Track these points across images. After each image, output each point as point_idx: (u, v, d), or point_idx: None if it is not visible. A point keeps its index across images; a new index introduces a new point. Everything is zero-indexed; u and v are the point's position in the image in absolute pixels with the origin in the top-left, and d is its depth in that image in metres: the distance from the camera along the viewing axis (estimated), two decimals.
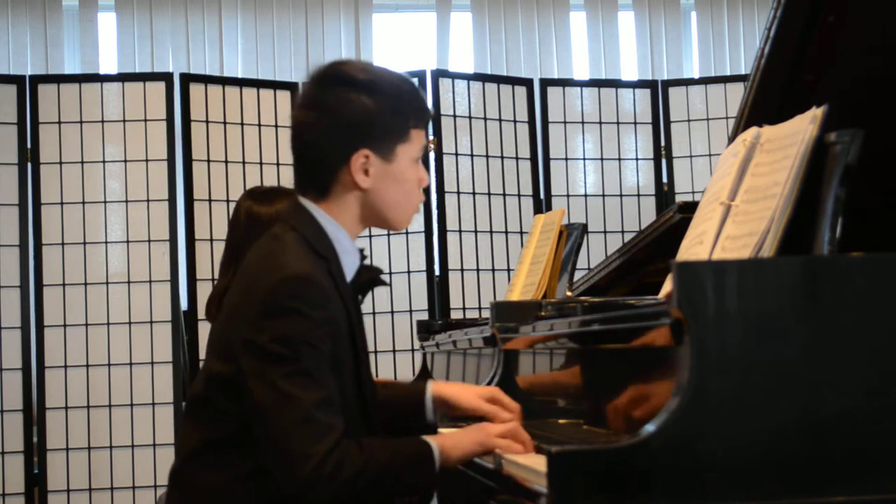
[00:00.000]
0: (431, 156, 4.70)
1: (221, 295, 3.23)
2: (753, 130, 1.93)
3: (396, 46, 5.72)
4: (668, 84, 5.13)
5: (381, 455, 1.82)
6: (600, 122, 5.00)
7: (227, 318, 1.92)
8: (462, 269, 4.68)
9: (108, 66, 5.31)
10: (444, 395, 2.14)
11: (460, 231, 4.69)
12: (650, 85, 5.11)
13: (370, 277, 2.02)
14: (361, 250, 2.01)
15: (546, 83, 5.03)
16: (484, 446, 1.91)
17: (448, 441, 1.90)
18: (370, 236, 4.68)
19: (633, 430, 1.61)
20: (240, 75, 5.22)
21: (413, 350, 4.59)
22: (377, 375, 4.93)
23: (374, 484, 1.80)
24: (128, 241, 4.55)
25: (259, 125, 4.71)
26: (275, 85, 4.84)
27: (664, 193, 5.01)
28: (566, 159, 4.96)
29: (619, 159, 5.01)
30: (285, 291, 1.81)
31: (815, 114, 1.77)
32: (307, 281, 1.83)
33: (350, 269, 1.96)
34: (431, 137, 4.70)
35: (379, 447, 1.84)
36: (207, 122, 4.59)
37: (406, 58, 5.66)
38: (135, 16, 5.29)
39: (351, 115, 1.90)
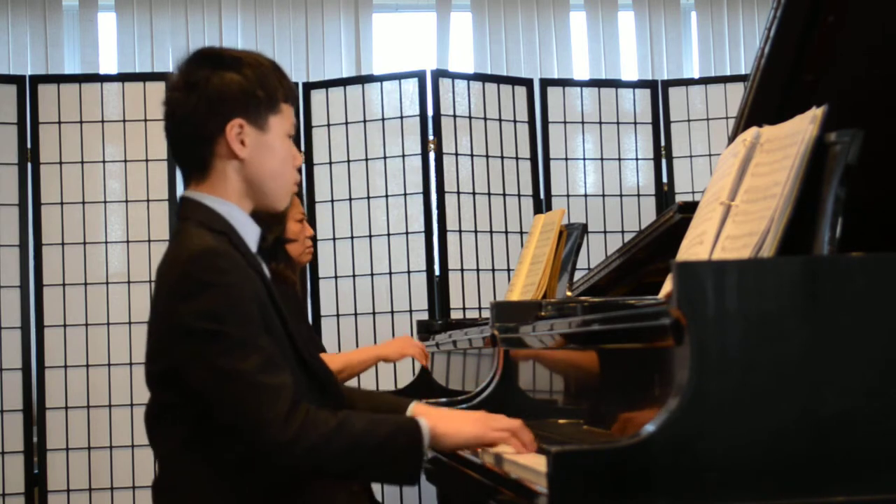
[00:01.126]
0: (431, 156, 4.70)
1: None
2: (753, 130, 1.93)
3: (396, 46, 5.72)
4: (668, 84, 5.12)
5: (358, 424, 1.81)
6: (600, 122, 5.00)
7: (152, 318, 1.94)
8: (462, 269, 4.68)
9: (108, 66, 5.31)
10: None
11: (460, 231, 4.69)
12: (650, 85, 5.11)
13: (275, 237, 2.05)
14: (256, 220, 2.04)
15: (546, 83, 5.03)
16: (481, 440, 1.91)
17: (442, 426, 1.88)
18: (370, 236, 4.68)
19: (632, 431, 1.61)
20: None
21: None
22: (378, 376, 4.95)
23: (345, 452, 1.79)
24: (128, 241, 4.55)
25: None
26: None
27: (664, 193, 5.01)
28: (566, 159, 4.96)
29: (619, 159, 5.01)
30: (194, 268, 1.83)
31: (815, 114, 1.77)
32: (211, 252, 1.85)
33: (252, 238, 1.99)
34: (431, 137, 4.70)
35: (357, 417, 1.84)
36: None
37: (406, 58, 5.66)
38: (135, 16, 5.29)
39: (222, 88, 1.94)
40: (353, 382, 4.63)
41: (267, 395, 1.78)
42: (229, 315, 1.80)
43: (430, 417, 1.89)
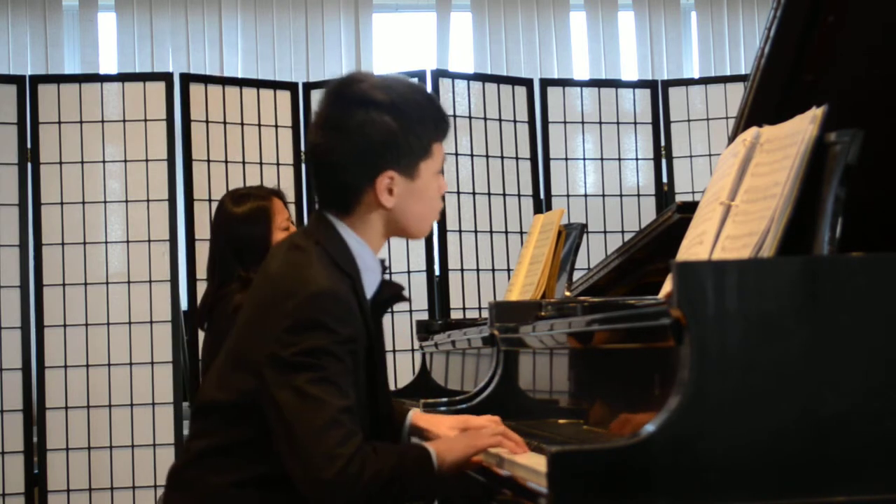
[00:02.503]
0: None
1: (211, 303, 3.21)
2: (753, 130, 1.93)
3: (396, 46, 5.72)
4: (668, 84, 5.12)
5: (391, 459, 1.83)
6: (600, 122, 5.00)
7: (248, 328, 1.91)
8: (462, 269, 4.68)
9: (108, 66, 5.31)
10: (421, 424, 2.16)
11: (460, 231, 4.69)
12: (650, 85, 5.11)
13: (391, 294, 2.02)
14: (382, 262, 2.01)
15: (546, 83, 5.03)
16: (476, 447, 1.92)
17: (442, 446, 1.91)
18: None
19: (632, 431, 1.60)
20: (240, 75, 5.22)
21: (413, 350, 4.59)
22: None
23: (386, 486, 1.81)
24: (128, 241, 4.54)
25: (259, 125, 4.70)
26: (275, 85, 4.84)
27: (664, 193, 5.01)
28: (566, 159, 4.96)
29: (619, 159, 5.01)
30: (313, 307, 1.81)
31: (815, 114, 1.77)
32: (334, 297, 1.82)
33: (371, 285, 1.96)
34: None
35: (387, 451, 1.85)
36: (207, 122, 4.58)
37: (406, 58, 5.66)
38: (135, 16, 5.29)
39: (375, 137, 1.87)
40: None
41: (341, 433, 1.77)
42: (328, 357, 1.79)
43: (429, 444, 1.93)
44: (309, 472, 1.78)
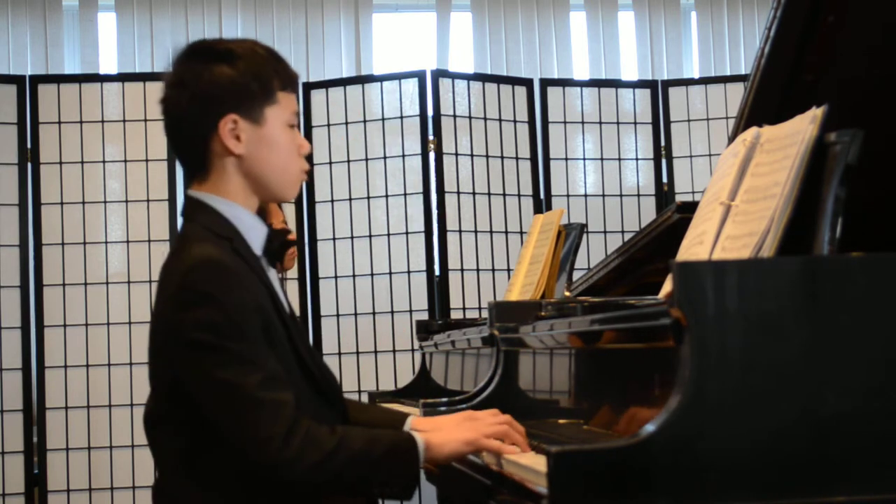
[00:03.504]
0: (431, 156, 4.70)
1: None
2: (753, 130, 1.93)
3: (396, 46, 5.72)
4: (668, 84, 5.12)
5: (356, 442, 1.80)
6: (600, 122, 5.00)
7: (153, 321, 1.91)
8: (462, 269, 4.68)
9: (108, 66, 5.31)
10: (421, 428, 2.11)
11: (460, 231, 4.69)
12: (650, 85, 5.11)
13: (280, 241, 2.00)
14: (264, 220, 1.99)
15: (546, 83, 5.03)
16: (474, 446, 1.90)
17: (436, 438, 1.88)
18: (370, 236, 4.68)
19: (632, 431, 1.60)
20: None
21: (413, 350, 4.59)
22: (377, 376, 4.95)
23: (344, 470, 1.77)
24: (128, 241, 4.54)
25: None
26: None
27: (664, 193, 5.01)
28: (566, 159, 4.96)
29: (619, 159, 5.01)
30: (194, 278, 1.79)
31: (815, 114, 1.77)
32: (213, 265, 1.80)
33: (257, 241, 1.94)
34: (431, 137, 4.70)
35: (355, 434, 1.82)
36: None
37: (406, 58, 5.66)
38: (135, 16, 5.29)
39: (212, 83, 1.89)
40: (354, 384, 4.64)
41: (266, 412, 1.75)
42: (228, 329, 1.76)
43: (424, 432, 1.90)
44: (249, 459, 1.76)
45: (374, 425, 2.04)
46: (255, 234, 1.94)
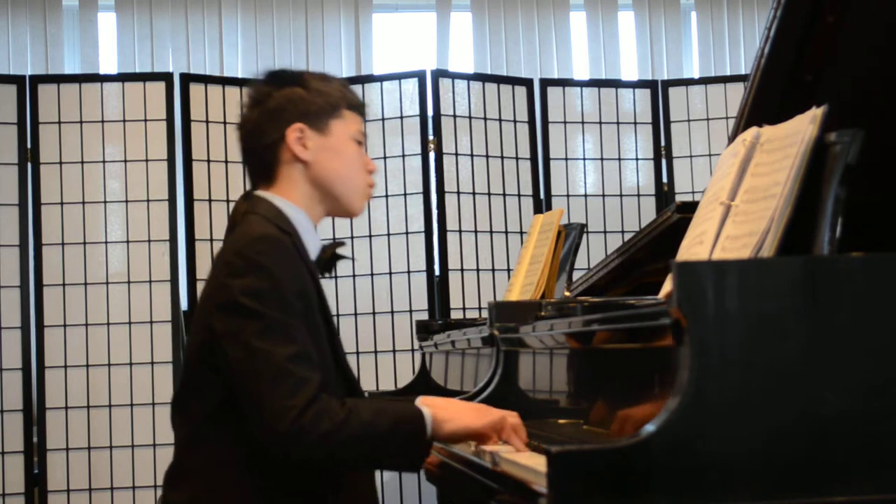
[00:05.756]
0: (431, 156, 4.70)
1: None
2: (753, 130, 1.93)
3: (396, 46, 5.72)
4: (668, 84, 5.12)
5: (365, 414, 1.84)
6: (600, 122, 5.00)
7: (202, 297, 1.96)
8: (462, 269, 4.68)
9: (108, 66, 5.31)
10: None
11: (460, 231, 4.69)
12: (650, 85, 5.11)
13: (333, 252, 2.08)
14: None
15: (546, 83, 5.03)
16: (480, 434, 1.94)
17: (444, 413, 1.92)
18: (370, 236, 4.68)
19: (632, 431, 1.61)
20: (240, 75, 5.22)
21: (413, 350, 4.59)
22: (377, 376, 4.95)
23: (354, 441, 1.81)
24: (128, 241, 4.54)
25: None
26: None
27: (664, 193, 5.01)
28: (566, 159, 4.96)
29: (619, 159, 5.01)
30: (253, 248, 1.86)
31: (815, 114, 1.77)
32: (274, 239, 1.89)
33: (312, 248, 2.02)
34: (431, 137, 4.70)
35: (364, 406, 1.87)
36: (207, 122, 4.58)
37: (406, 58, 5.66)
38: (135, 16, 5.29)
39: (283, 100, 2.01)
40: None
41: (290, 384, 1.79)
42: (272, 299, 1.83)
43: (433, 406, 1.93)
44: (263, 426, 1.80)
45: None
46: (311, 241, 2.02)
